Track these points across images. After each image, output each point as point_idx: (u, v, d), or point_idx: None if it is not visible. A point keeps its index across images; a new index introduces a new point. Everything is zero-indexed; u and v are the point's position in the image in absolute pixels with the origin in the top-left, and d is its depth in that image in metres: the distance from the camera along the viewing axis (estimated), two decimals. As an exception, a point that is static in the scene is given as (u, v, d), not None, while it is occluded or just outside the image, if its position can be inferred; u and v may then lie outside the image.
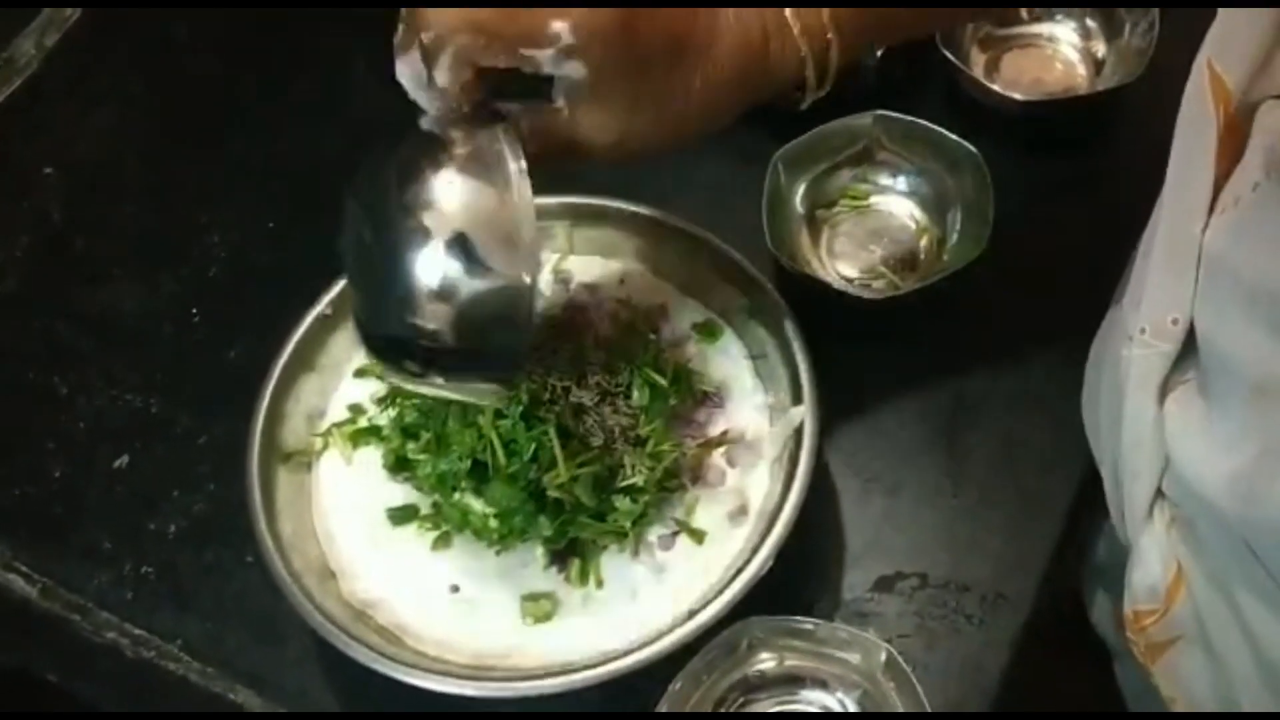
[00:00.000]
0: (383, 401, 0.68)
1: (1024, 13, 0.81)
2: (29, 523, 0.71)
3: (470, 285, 0.52)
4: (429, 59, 0.51)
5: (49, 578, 0.69)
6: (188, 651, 0.67)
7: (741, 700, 0.61)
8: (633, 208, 0.70)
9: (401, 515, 0.65)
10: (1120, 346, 0.57)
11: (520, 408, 0.62)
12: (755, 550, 0.60)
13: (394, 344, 0.54)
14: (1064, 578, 0.68)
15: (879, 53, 0.76)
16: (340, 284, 0.69)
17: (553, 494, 0.61)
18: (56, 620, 0.68)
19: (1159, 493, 0.57)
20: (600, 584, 0.63)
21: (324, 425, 0.68)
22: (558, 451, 0.61)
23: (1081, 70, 0.80)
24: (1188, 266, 0.54)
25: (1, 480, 0.73)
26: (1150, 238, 0.57)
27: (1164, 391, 0.56)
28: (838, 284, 0.72)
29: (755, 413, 0.67)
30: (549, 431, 0.62)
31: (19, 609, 0.69)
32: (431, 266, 0.51)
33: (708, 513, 0.64)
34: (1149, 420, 0.56)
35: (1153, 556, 0.58)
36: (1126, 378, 0.57)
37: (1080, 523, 0.68)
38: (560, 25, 0.50)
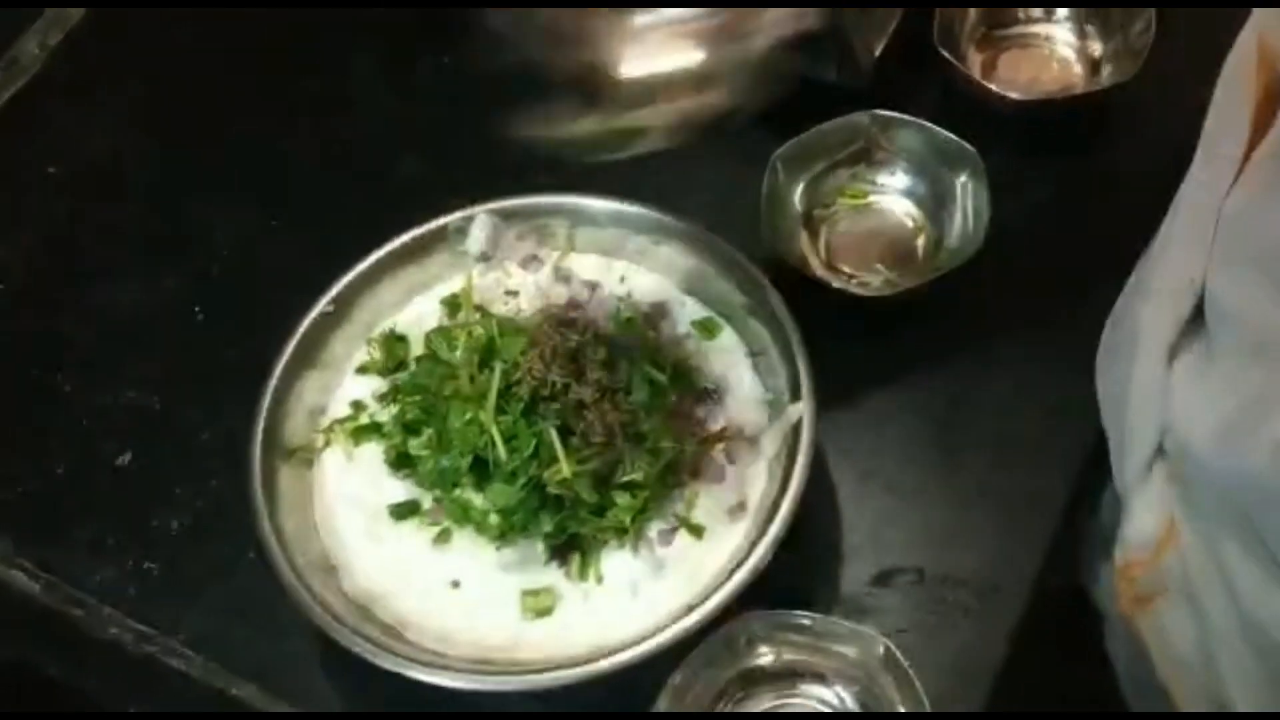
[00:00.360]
0: (384, 398, 0.68)
1: (1020, 13, 0.82)
2: (32, 519, 0.71)
3: None
4: None
5: (51, 573, 0.69)
6: (190, 647, 0.67)
7: (740, 694, 0.62)
8: (633, 207, 0.71)
9: (403, 511, 0.65)
10: (1140, 304, 0.58)
11: (521, 405, 0.63)
12: (754, 545, 0.61)
13: None
14: (1060, 572, 0.68)
15: (877, 53, 0.77)
16: (342, 282, 0.69)
17: (553, 490, 0.62)
18: (59, 616, 0.68)
19: (1160, 450, 0.58)
20: (600, 579, 0.63)
21: (326, 422, 0.68)
22: (558, 448, 0.62)
23: (1078, 69, 0.81)
24: (1209, 227, 0.55)
25: (4, 476, 0.73)
26: (1180, 199, 0.58)
27: (1174, 352, 0.57)
28: (836, 282, 0.73)
29: (754, 409, 0.67)
30: (550, 428, 0.62)
31: (21, 605, 0.69)
32: None
33: (707, 508, 0.64)
34: (1157, 376, 0.57)
35: (1147, 508, 0.59)
36: (1140, 333, 0.57)
37: (1076, 519, 0.68)
38: None
